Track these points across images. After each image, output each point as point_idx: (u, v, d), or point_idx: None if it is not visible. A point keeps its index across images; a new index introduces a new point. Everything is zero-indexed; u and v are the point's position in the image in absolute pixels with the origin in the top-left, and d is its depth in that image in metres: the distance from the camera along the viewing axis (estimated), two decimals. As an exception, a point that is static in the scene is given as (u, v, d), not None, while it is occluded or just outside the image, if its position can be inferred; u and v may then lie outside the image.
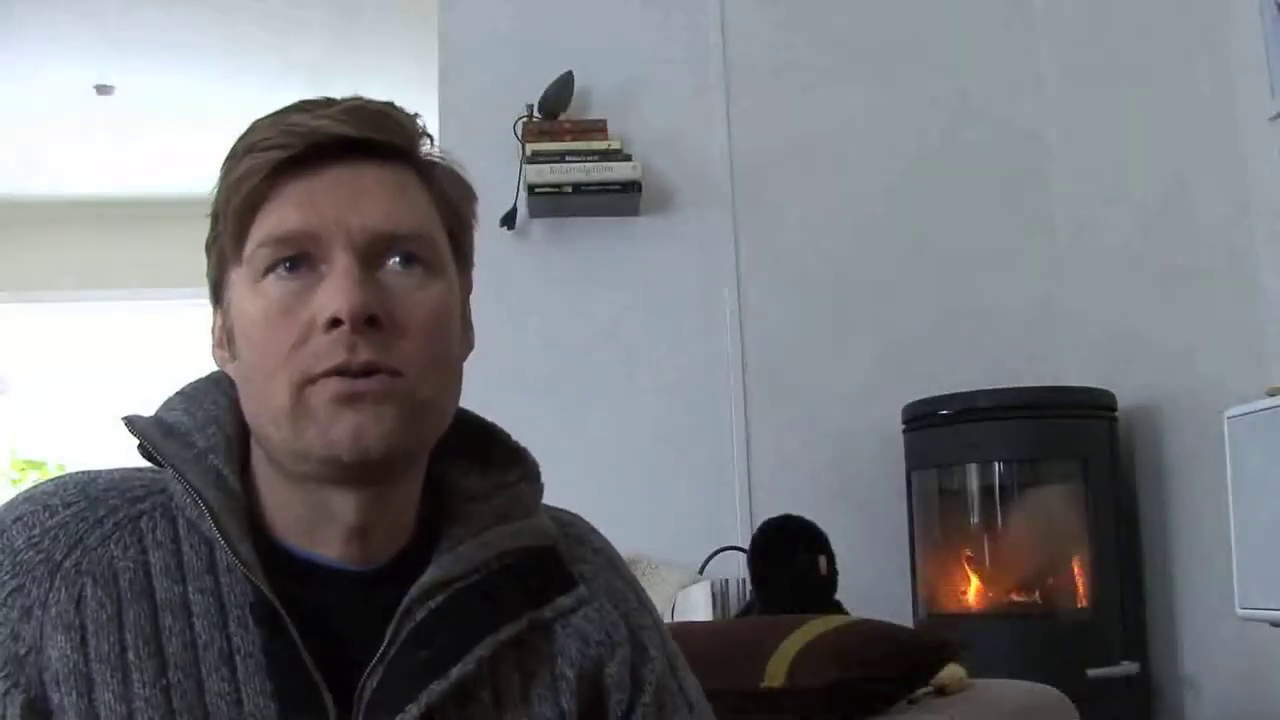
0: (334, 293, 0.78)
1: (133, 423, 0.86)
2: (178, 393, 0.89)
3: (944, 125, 3.29)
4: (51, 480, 0.85)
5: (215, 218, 0.83)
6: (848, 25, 3.32)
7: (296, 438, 0.79)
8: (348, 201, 0.81)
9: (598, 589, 0.92)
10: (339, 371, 0.78)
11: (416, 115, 0.87)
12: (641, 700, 0.90)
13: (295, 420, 0.78)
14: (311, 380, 0.78)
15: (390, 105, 0.85)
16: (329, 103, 0.83)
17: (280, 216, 0.80)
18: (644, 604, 0.96)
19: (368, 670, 0.80)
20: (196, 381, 0.90)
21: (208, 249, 0.85)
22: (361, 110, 0.82)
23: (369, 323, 0.78)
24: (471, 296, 0.93)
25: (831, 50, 3.31)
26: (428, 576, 0.83)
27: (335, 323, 0.78)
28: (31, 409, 6.32)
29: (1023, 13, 3.36)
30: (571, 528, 0.96)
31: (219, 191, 0.83)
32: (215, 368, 0.90)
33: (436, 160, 0.88)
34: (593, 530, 0.98)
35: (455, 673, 0.80)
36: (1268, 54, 2.29)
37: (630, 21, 3.24)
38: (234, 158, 0.82)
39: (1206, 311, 2.59)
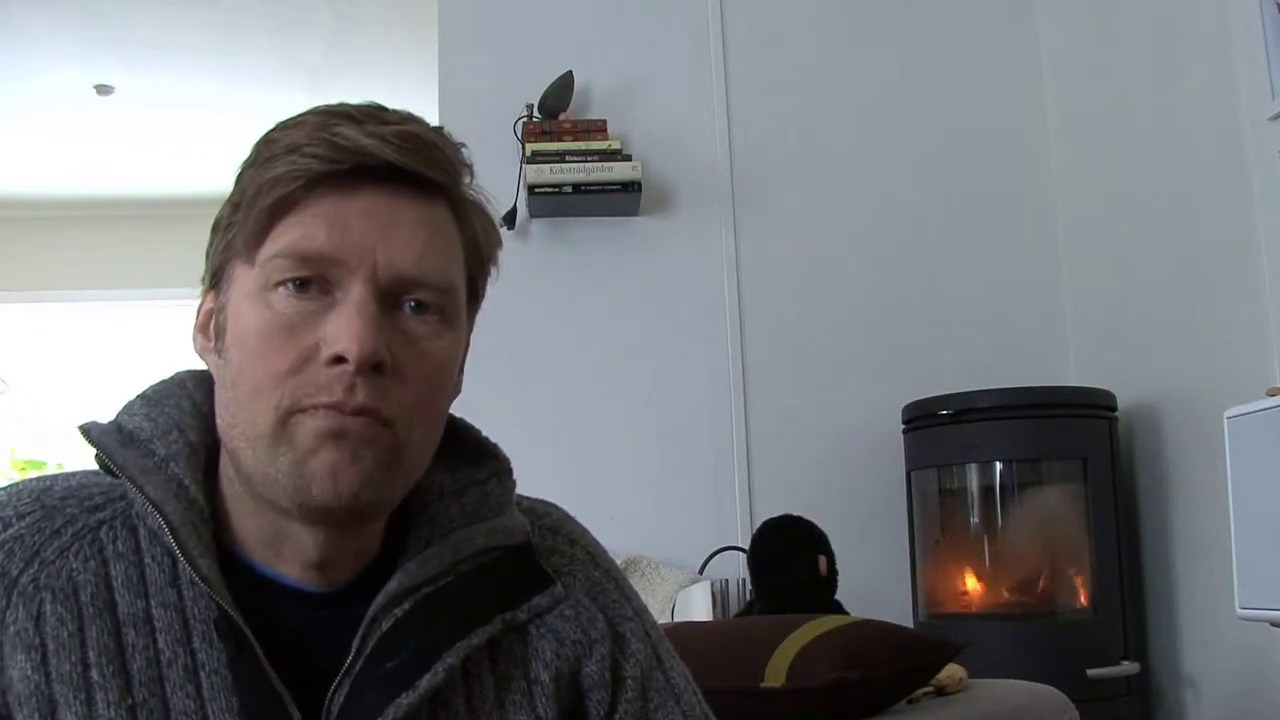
0: (345, 329, 0.75)
1: (88, 431, 0.82)
2: (138, 395, 0.85)
3: (944, 124, 3.29)
4: (4, 489, 0.81)
5: (235, 205, 0.79)
6: (848, 25, 3.32)
7: (269, 462, 0.75)
8: (380, 233, 0.77)
9: (574, 584, 0.90)
10: (331, 407, 0.75)
11: (462, 145, 0.84)
12: (624, 696, 0.88)
13: (273, 446, 0.75)
14: (300, 410, 0.75)
15: (440, 134, 0.82)
16: (381, 118, 0.79)
17: (306, 231, 0.76)
18: (625, 594, 0.93)
19: (334, 684, 0.77)
20: (158, 384, 0.87)
21: (216, 229, 0.81)
22: (414, 138, 0.78)
23: (374, 368, 0.75)
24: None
25: (831, 50, 3.31)
26: (394, 583, 0.80)
27: (339, 360, 0.74)
28: (31, 409, 6.32)
29: (1023, 12, 3.36)
30: (546, 518, 0.93)
31: (245, 178, 0.79)
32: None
33: (474, 200, 0.85)
34: (569, 519, 0.95)
35: (424, 684, 0.77)
36: (1268, 54, 2.30)
37: (630, 21, 3.24)
38: (270, 148, 0.78)
39: (1206, 312, 2.59)
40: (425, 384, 0.79)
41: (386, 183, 0.78)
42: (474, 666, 0.83)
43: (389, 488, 0.78)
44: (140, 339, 5.96)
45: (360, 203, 0.77)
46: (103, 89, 4.73)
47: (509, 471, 0.91)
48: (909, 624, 2.76)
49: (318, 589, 0.81)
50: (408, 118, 0.80)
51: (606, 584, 0.92)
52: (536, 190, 2.98)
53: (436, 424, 0.82)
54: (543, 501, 0.95)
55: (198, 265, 0.85)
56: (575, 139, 3.03)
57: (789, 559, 2.29)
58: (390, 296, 0.77)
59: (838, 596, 2.33)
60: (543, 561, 0.89)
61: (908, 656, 1.49)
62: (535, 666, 0.85)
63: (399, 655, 0.78)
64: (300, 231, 0.76)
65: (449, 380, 0.83)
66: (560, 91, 3.06)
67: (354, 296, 0.76)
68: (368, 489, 0.76)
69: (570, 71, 3.07)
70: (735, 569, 2.89)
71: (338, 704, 0.77)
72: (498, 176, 2.99)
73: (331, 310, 0.76)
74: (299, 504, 0.76)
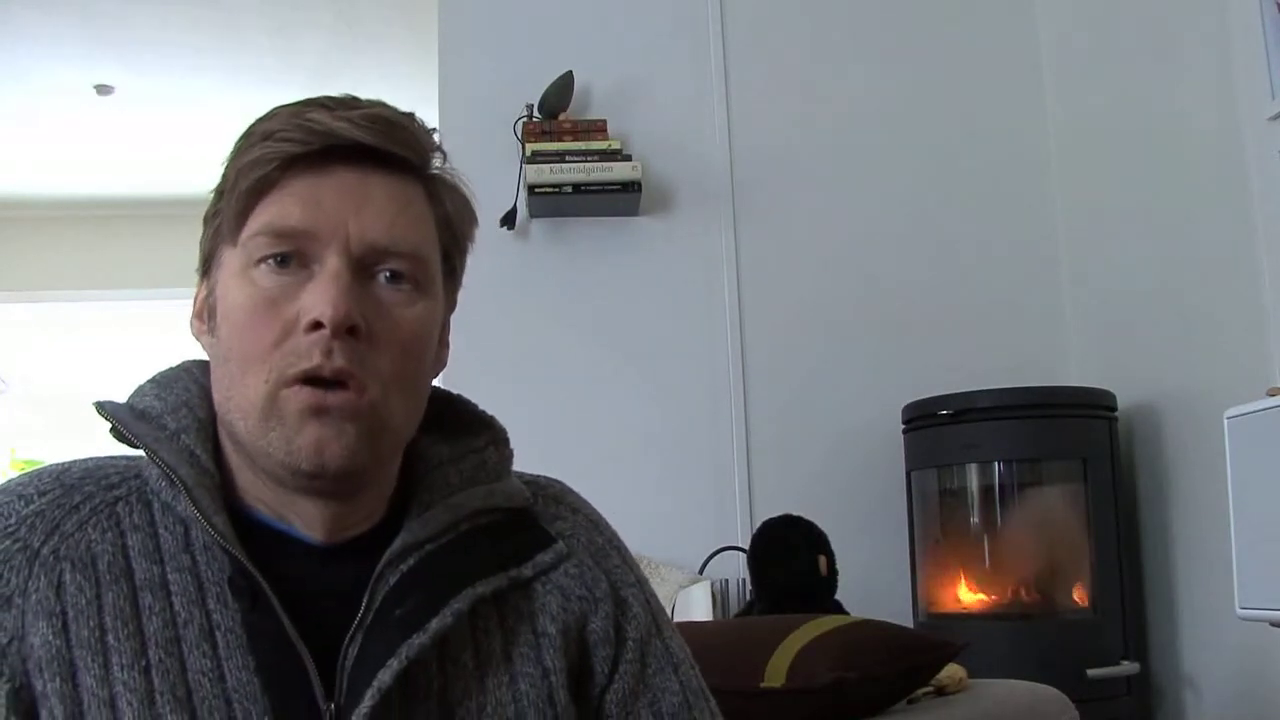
0: (320, 296, 0.79)
1: (104, 406, 0.86)
2: (149, 380, 0.90)
3: (944, 125, 3.29)
4: (25, 472, 0.85)
5: (220, 193, 0.84)
6: (848, 26, 3.32)
7: (261, 435, 0.79)
8: (351, 207, 0.81)
9: (577, 546, 0.93)
10: (311, 377, 0.78)
11: (434, 130, 0.88)
12: (625, 656, 0.90)
13: (264, 419, 0.79)
14: (287, 383, 0.78)
15: (410, 117, 0.86)
16: (352, 104, 0.84)
17: (283, 209, 0.81)
18: (627, 562, 0.96)
19: (347, 638, 0.80)
20: (168, 369, 0.91)
21: (206, 221, 0.86)
22: (381, 119, 0.83)
23: (349, 331, 0.79)
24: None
25: (831, 51, 3.31)
26: (397, 543, 0.84)
27: (317, 325, 0.78)
28: (31, 409, 6.33)
29: (1023, 12, 3.36)
30: (549, 489, 0.97)
31: (227, 169, 0.84)
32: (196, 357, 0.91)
33: (446, 179, 0.89)
34: (571, 492, 0.99)
35: (433, 625, 0.80)
36: (1268, 54, 2.30)
37: (630, 21, 3.24)
38: (248, 140, 0.83)
39: (1206, 311, 2.59)
40: (401, 350, 0.82)
41: (358, 162, 0.83)
42: (481, 621, 0.86)
43: (373, 455, 0.81)
44: (140, 338, 5.96)
45: (333, 180, 0.82)
46: (103, 89, 4.73)
47: (505, 441, 0.95)
48: (909, 624, 2.76)
49: (329, 544, 0.84)
50: (378, 104, 0.85)
51: (609, 550, 0.95)
52: (536, 190, 2.98)
53: (416, 391, 0.85)
54: (545, 476, 0.99)
55: (197, 264, 0.88)
56: (575, 139, 3.03)
57: (789, 559, 2.29)
58: (364, 267, 0.82)
59: (838, 596, 2.33)
60: (545, 525, 0.93)
61: (908, 656, 1.49)
62: (542, 620, 0.88)
63: (407, 603, 0.81)
64: (277, 209, 0.81)
65: (426, 348, 0.86)
66: (560, 91, 3.06)
67: (329, 267, 0.80)
68: (352, 460, 0.79)
69: (570, 71, 3.07)
70: (735, 569, 2.88)
71: (351, 656, 0.80)
72: (498, 176, 2.99)
73: (309, 282, 0.80)
74: (291, 473, 0.79)
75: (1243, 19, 2.37)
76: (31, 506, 0.81)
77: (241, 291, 0.81)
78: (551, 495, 0.96)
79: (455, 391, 0.96)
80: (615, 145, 3.04)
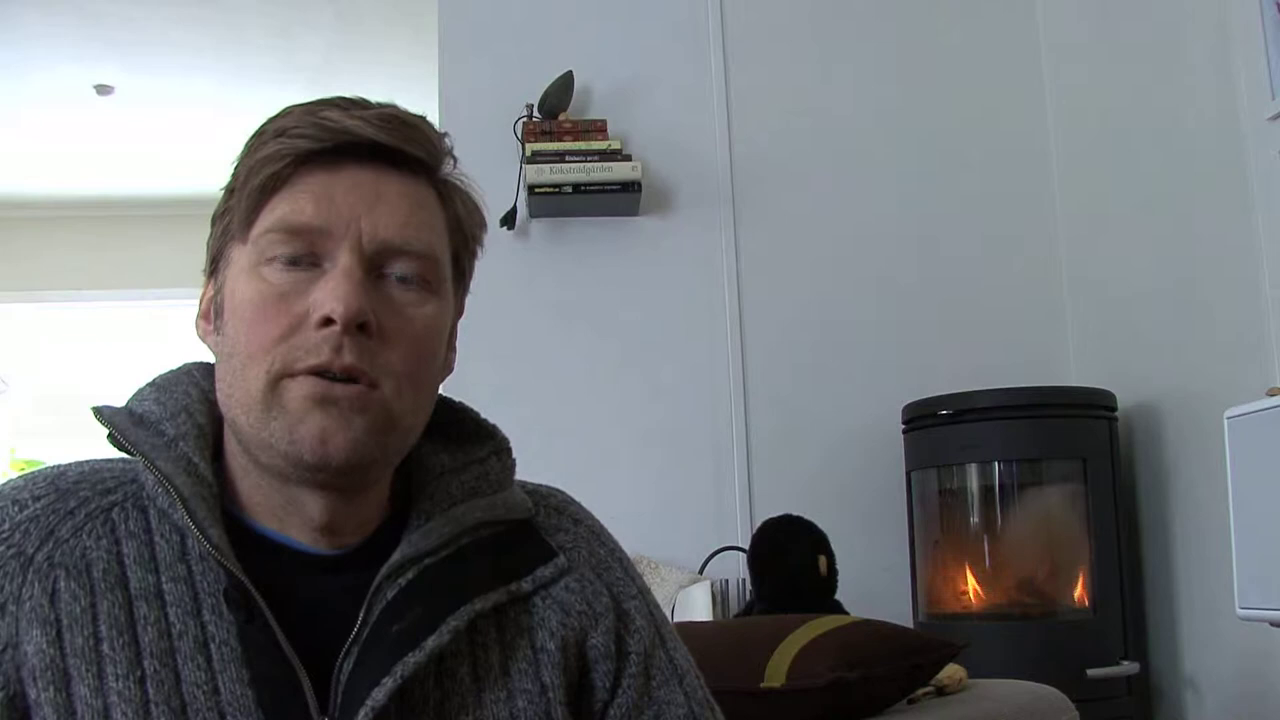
0: (332, 292, 0.78)
1: (101, 412, 0.85)
2: (149, 383, 0.89)
3: (944, 124, 3.29)
4: (20, 476, 0.84)
5: (230, 191, 0.84)
6: (847, 26, 3.32)
7: (263, 427, 0.78)
8: (364, 205, 0.81)
9: (579, 559, 0.92)
10: (319, 371, 0.78)
11: (445, 135, 0.87)
12: (628, 670, 0.89)
13: (266, 410, 0.78)
14: (291, 374, 0.78)
15: (423, 119, 0.86)
16: (364, 105, 0.84)
17: (295, 205, 0.80)
18: (629, 574, 0.95)
19: (343, 652, 0.79)
20: (168, 372, 0.90)
21: (214, 220, 0.85)
22: (395, 119, 0.83)
23: (359, 328, 0.78)
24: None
25: (831, 51, 3.31)
26: (396, 555, 0.83)
27: (328, 321, 0.78)
28: (31, 409, 6.32)
29: (1023, 12, 3.36)
30: (551, 499, 0.96)
31: (238, 166, 0.83)
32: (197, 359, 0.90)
33: (457, 182, 0.89)
34: (573, 502, 0.98)
35: (430, 643, 0.79)
36: (1268, 54, 2.30)
37: (630, 21, 3.24)
38: (260, 138, 0.83)
39: (1206, 311, 2.59)
40: (411, 349, 0.82)
41: (371, 161, 0.83)
42: (479, 636, 0.85)
43: (380, 451, 0.81)
44: (140, 339, 5.96)
45: (346, 178, 0.82)
46: (103, 89, 4.73)
47: (508, 451, 0.94)
48: (909, 624, 2.76)
49: (326, 551, 0.84)
50: (390, 105, 0.85)
51: (611, 562, 0.94)
52: (536, 190, 2.98)
53: (425, 392, 0.85)
54: (546, 486, 0.98)
55: (197, 265, 0.88)
56: (575, 139, 3.03)
57: (788, 559, 2.29)
58: (376, 265, 0.81)
59: (838, 596, 2.33)
60: (547, 538, 0.92)
61: (908, 656, 1.49)
62: (541, 635, 0.87)
63: (404, 619, 0.80)
64: (290, 206, 0.80)
65: (435, 349, 0.85)
66: (560, 91, 3.06)
67: (341, 264, 0.79)
68: (358, 453, 0.79)
69: (570, 71, 3.07)
70: (735, 569, 2.88)
71: (346, 671, 0.79)
72: (498, 176, 2.99)
73: (320, 279, 0.80)
74: (294, 465, 0.79)
75: (1243, 19, 2.37)
76: (26, 512, 0.80)
77: (251, 287, 0.80)
78: (553, 506, 0.95)
79: (454, 391, 0.95)
80: (615, 145, 3.04)
